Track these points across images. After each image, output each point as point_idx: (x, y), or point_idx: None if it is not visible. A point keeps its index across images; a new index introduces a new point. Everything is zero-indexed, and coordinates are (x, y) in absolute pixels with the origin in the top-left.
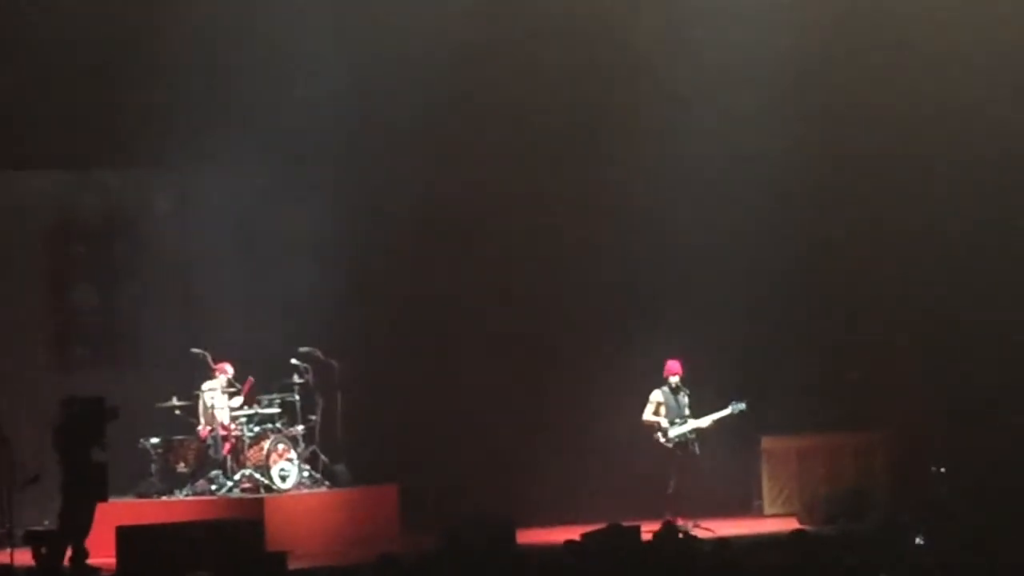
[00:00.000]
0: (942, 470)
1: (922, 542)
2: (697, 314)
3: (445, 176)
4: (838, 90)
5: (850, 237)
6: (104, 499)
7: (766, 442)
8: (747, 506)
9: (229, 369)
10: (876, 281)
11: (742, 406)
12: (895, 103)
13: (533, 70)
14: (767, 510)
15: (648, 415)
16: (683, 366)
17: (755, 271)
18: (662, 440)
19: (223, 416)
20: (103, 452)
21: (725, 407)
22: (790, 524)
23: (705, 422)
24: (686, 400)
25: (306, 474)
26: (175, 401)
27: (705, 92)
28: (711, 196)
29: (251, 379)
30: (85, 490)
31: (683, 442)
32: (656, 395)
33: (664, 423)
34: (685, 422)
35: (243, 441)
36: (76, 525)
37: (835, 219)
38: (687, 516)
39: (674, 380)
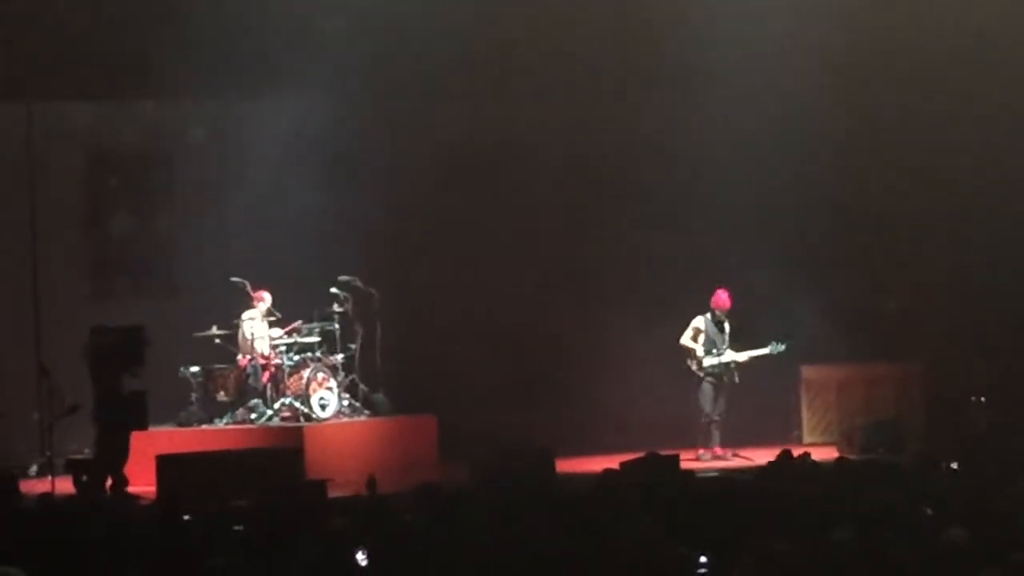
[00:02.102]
0: (981, 400)
1: (957, 468)
2: (740, 243)
3: (485, 106)
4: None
5: (889, 172)
6: (144, 427)
7: (806, 371)
8: (786, 435)
9: (267, 297)
10: (916, 213)
11: (782, 347)
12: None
13: (573, 19)
14: (806, 439)
15: (686, 339)
16: (731, 297)
17: (799, 202)
18: (693, 368)
19: (263, 345)
20: (139, 380)
21: (765, 344)
22: (830, 453)
23: (743, 356)
24: (727, 330)
25: (345, 403)
26: (215, 330)
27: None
28: (754, 131)
29: (299, 323)
30: (121, 419)
31: (716, 372)
32: (698, 321)
33: (700, 351)
34: (723, 353)
35: (283, 370)
36: (113, 453)
37: (875, 154)
38: (725, 445)
39: (720, 312)
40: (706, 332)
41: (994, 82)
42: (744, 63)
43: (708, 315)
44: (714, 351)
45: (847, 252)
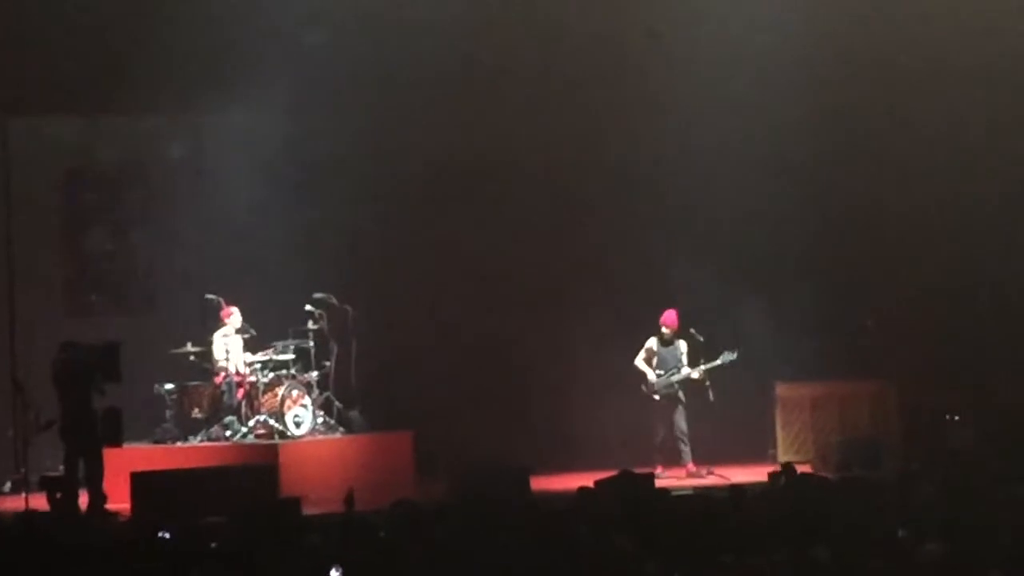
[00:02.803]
0: (956, 418)
1: (932, 485)
2: (713, 261)
3: (461, 125)
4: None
5: (867, 188)
6: (119, 444)
7: (780, 389)
8: (761, 453)
9: (236, 312)
10: (893, 227)
11: (733, 356)
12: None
13: (550, 37)
14: (781, 457)
15: (639, 362)
16: (679, 317)
17: (772, 217)
18: (645, 389)
19: (237, 362)
20: (109, 398)
21: (717, 357)
22: (804, 471)
23: (696, 372)
24: (683, 349)
25: (320, 420)
26: (189, 347)
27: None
28: (723, 142)
29: (270, 350)
30: (91, 436)
31: (669, 393)
32: (651, 342)
33: (650, 373)
34: (677, 371)
35: (257, 387)
36: (85, 470)
37: (851, 164)
38: (700, 463)
39: (667, 332)
40: (658, 353)
41: (972, 102)
42: (719, 78)
43: (659, 336)
44: (667, 371)
45: (822, 268)
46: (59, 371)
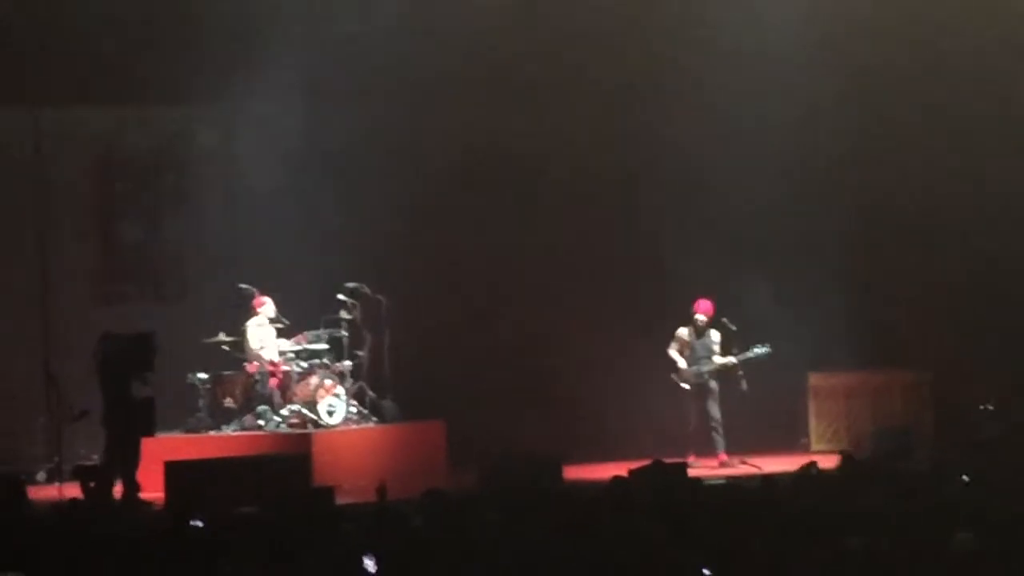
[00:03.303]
0: (989, 407)
1: (968, 480)
2: (747, 251)
3: (495, 113)
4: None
5: (902, 178)
6: (152, 434)
7: (813, 379)
8: (794, 443)
9: (269, 302)
10: (927, 219)
11: (766, 349)
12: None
13: (578, 26)
14: (814, 447)
15: (671, 350)
16: (714, 306)
17: (806, 208)
18: (674, 377)
19: (270, 352)
20: (147, 387)
21: (750, 349)
22: (837, 461)
23: (729, 362)
24: (715, 339)
25: (353, 409)
26: (222, 336)
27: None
28: (764, 137)
29: (306, 334)
30: (130, 425)
31: (700, 383)
32: (681, 332)
33: (681, 362)
34: (710, 361)
35: (290, 376)
36: (122, 460)
37: (888, 159)
38: (733, 453)
39: (700, 319)
40: (689, 342)
41: (1010, 88)
42: (750, 68)
43: (690, 326)
44: (699, 361)
45: (856, 258)
46: (100, 361)
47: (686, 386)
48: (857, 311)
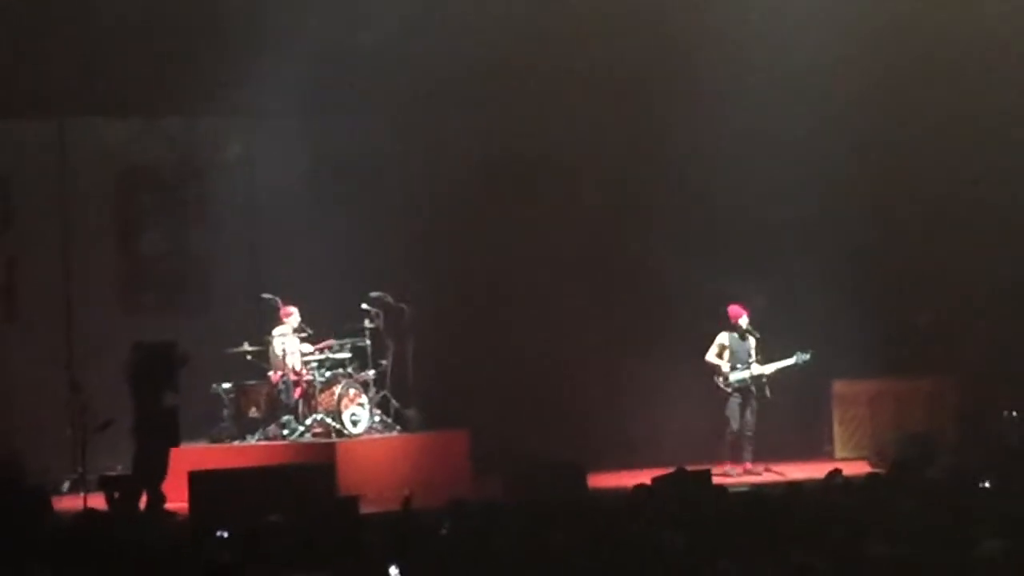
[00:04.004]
0: (1014, 414)
1: (989, 486)
2: (769, 257)
3: (516, 120)
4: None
5: (927, 183)
6: (176, 444)
7: (837, 386)
8: (818, 450)
9: (295, 312)
10: (951, 226)
11: (807, 356)
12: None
13: (601, 30)
14: (837, 454)
15: (711, 356)
16: (747, 310)
17: (827, 213)
18: (721, 384)
19: (294, 361)
20: (174, 397)
21: (791, 355)
22: (861, 468)
23: (768, 369)
24: (753, 344)
25: (377, 419)
26: (246, 346)
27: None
28: (788, 141)
29: (331, 341)
30: (158, 435)
31: (743, 387)
32: (722, 337)
33: (725, 367)
34: (749, 367)
35: (314, 386)
36: (150, 470)
37: (912, 164)
38: (757, 460)
39: (743, 322)
40: (731, 348)
41: None
42: (775, 70)
43: (732, 331)
44: (739, 366)
45: (880, 265)
46: (131, 372)
47: (730, 391)
48: (881, 318)
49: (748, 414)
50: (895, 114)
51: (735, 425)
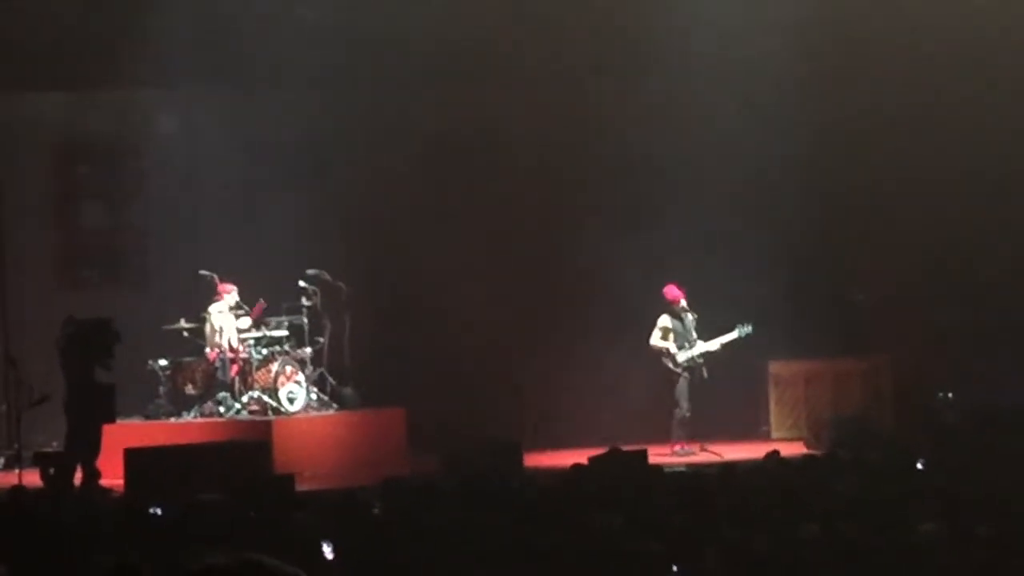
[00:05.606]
0: (949, 395)
1: (922, 467)
2: (704, 238)
3: (458, 101)
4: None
5: (862, 164)
6: (112, 420)
7: (773, 366)
8: (754, 430)
9: (234, 290)
10: (887, 206)
11: (749, 329)
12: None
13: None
14: (774, 434)
15: (656, 340)
16: (683, 290)
17: (762, 193)
18: (670, 366)
19: (231, 338)
20: (108, 373)
21: (731, 330)
22: (797, 448)
23: (714, 345)
24: (692, 323)
25: (314, 396)
26: (183, 323)
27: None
28: (728, 122)
29: (262, 302)
30: (91, 411)
31: (692, 366)
32: (664, 320)
33: (673, 348)
34: (694, 346)
35: (251, 363)
36: (84, 446)
37: (848, 145)
38: (694, 440)
39: (681, 304)
40: (674, 329)
41: (975, 80)
42: (720, 52)
43: (671, 313)
44: (686, 345)
45: (816, 245)
46: (62, 347)
47: (681, 372)
48: (817, 298)
49: (687, 393)
50: (831, 96)
51: (685, 405)
